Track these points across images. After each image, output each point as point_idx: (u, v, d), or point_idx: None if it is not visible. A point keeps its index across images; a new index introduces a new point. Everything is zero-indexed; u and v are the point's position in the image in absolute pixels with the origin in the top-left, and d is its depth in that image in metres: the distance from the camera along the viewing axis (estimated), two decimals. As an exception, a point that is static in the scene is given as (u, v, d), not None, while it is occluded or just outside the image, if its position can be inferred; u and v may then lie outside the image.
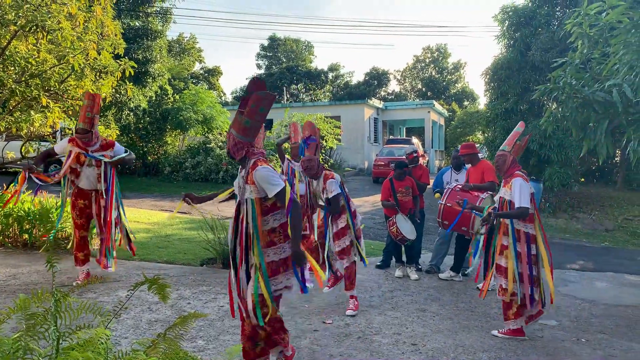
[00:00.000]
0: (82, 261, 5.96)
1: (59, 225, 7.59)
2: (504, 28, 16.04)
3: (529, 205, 4.61)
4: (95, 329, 1.75)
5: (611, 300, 6.32)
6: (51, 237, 6.89)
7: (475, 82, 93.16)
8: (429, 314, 5.40)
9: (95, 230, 6.37)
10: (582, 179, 19.07)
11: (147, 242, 8.54)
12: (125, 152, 6.07)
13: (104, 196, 5.85)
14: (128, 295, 2.18)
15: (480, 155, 7.01)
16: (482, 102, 47.39)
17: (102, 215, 5.89)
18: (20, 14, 7.00)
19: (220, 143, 18.98)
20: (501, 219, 4.80)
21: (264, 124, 3.60)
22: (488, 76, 16.73)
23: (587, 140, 6.38)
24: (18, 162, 10.12)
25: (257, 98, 3.32)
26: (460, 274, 6.94)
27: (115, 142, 6.08)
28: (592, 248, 10.67)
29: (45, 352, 1.78)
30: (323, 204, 5.42)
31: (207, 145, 18.97)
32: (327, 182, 5.21)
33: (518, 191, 4.61)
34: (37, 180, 5.81)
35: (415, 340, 4.61)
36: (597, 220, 13.89)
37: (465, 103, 46.99)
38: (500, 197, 4.88)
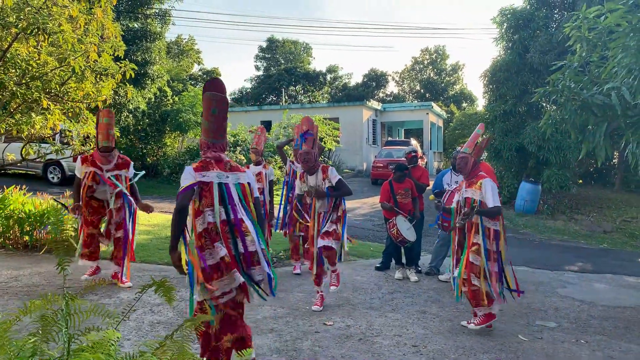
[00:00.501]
0: (88, 257, 6.00)
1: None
2: (503, 30, 16.10)
3: (499, 204, 4.88)
4: (105, 330, 1.77)
5: (610, 302, 6.36)
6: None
7: (473, 83, 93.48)
8: (429, 316, 5.43)
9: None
10: (580, 181, 19.15)
11: (148, 244, 8.57)
12: (134, 175, 6.35)
13: (117, 213, 5.98)
14: (136, 297, 2.21)
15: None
16: (481, 103, 47.51)
17: (115, 232, 6.01)
18: (21, 17, 7.02)
19: (220, 145, 18.98)
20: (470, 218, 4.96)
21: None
22: (487, 78, 16.80)
23: (585, 142, 6.42)
24: (18, 164, 10.15)
25: (207, 99, 3.40)
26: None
27: (130, 163, 6.20)
28: (591, 250, 10.72)
29: (56, 354, 1.81)
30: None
31: (206, 147, 18.97)
32: (327, 171, 5.39)
33: (490, 191, 4.83)
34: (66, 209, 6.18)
35: (416, 342, 4.64)
36: (595, 222, 13.94)
37: (464, 105, 47.10)
38: (466, 197, 5.03)
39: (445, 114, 38.09)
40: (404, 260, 7.23)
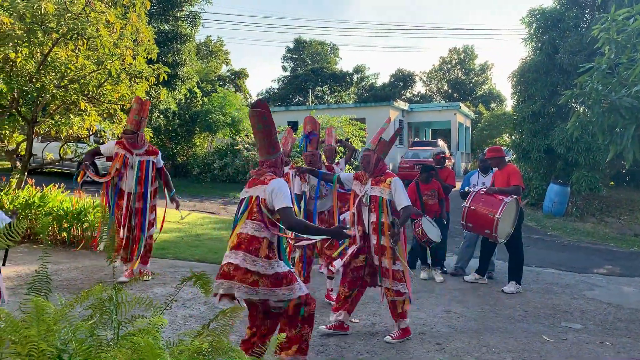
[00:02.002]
0: (125, 259, 6.19)
1: (94, 224, 7.95)
2: (532, 31, 15.95)
3: (409, 203, 4.62)
4: (152, 317, 1.94)
5: (638, 305, 6.32)
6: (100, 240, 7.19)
7: (502, 83, 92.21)
8: (453, 315, 5.51)
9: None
10: (612, 183, 18.81)
11: (179, 241, 8.82)
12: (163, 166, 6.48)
13: (140, 199, 6.13)
14: (177, 288, 2.38)
15: (507, 158, 7.06)
16: (509, 104, 46.91)
17: (134, 218, 6.15)
18: (62, 22, 7.35)
19: (247, 145, 19.27)
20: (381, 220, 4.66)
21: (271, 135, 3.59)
22: (515, 79, 16.65)
23: (613, 145, 6.40)
24: (56, 163, 10.53)
25: (250, 117, 3.55)
26: (485, 277, 7.02)
27: (159, 152, 6.41)
28: (620, 252, 10.59)
29: (106, 338, 1.98)
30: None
31: (234, 147, 19.29)
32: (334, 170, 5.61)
33: (401, 190, 4.59)
34: (92, 178, 6.26)
35: (439, 340, 4.74)
36: (626, 224, 13.73)
37: (492, 105, 46.59)
38: (371, 195, 4.66)
39: (474, 114, 37.77)
40: (429, 260, 7.30)
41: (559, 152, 14.54)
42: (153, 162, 6.23)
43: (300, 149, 7.29)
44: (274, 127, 3.55)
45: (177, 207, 6.52)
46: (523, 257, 6.74)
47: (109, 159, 6.33)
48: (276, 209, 3.35)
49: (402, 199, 4.55)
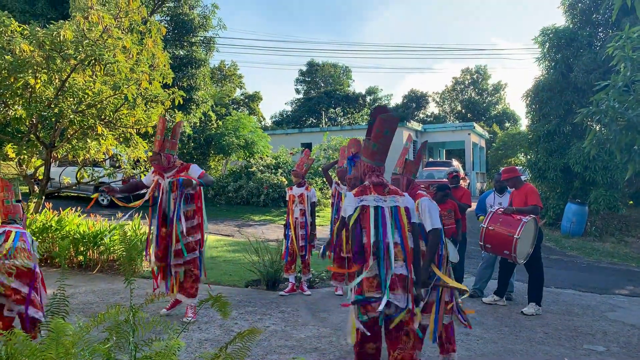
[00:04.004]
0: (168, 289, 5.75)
1: (110, 247, 7.99)
2: (545, 50, 15.93)
3: (440, 225, 4.16)
4: (169, 340, 1.93)
5: (662, 327, 6.15)
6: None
7: (516, 103, 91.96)
8: (472, 338, 5.41)
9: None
10: (631, 202, 18.52)
11: (194, 264, 8.80)
12: (202, 172, 5.89)
13: (172, 222, 5.68)
14: (196, 311, 2.35)
15: (522, 177, 6.99)
16: (524, 123, 46.70)
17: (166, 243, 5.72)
18: (80, 49, 7.50)
19: (262, 167, 19.35)
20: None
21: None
22: (529, 98, 16.59)
23: (631, 163, 6.32)
24: (73, 187, 10.66)
25: (380, 121, 3.48)
26: (504, 298, 6.90)
27: (192, 165, 5.92)
28: (642, 273, 10.35)
29: (124, 361, 1.97)
30: None
31: (248, 169, 19.39)
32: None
33: (428, 212, 4.12)
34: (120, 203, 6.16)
35: (459, 363, 4.63)
36: (646, 244, 13.46)
37: (507, 125, 46.42)
38: None
39: (488, 134, 37.65)
40: (446, 281, 7.18)
41: (576, 171, 14.38)
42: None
43: (337, 167, 7.18)
44: (393, 137, 3.60)
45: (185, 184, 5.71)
46: (543, 277, 6.62)
47: (124, 181, 6.26)
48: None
49: (428, 221, 4.12)
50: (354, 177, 5.00)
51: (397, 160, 4.54)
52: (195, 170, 5.83)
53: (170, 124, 8.69)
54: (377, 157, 3.57)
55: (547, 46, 15.85)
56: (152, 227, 5.82)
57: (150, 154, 8.19)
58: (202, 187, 5.86)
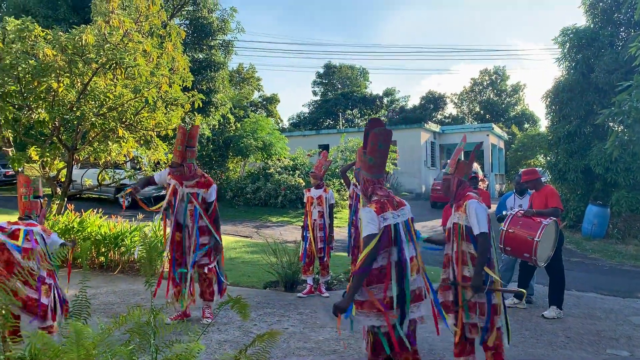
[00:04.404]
0: (175, 296, 5.68)
1: (130, 248, 8.08)
2: (565, 50, 15.72)
3: (487, 229, 4.08)
4: (189, 343, 1.95)
5: (688, 332, 6.02)
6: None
7: (535, 104, 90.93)
8: (492, 341, 5.35)
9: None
10: (654, 204, 18.16)
11: (213, 265, 8.86)
12: (215, 200, 5.83)
13: (190, 234, 5.64)
14: (215, 312, 2.37)
15: (542, 179, 6.91)
16: (544, 124, 46.14)
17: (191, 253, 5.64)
18: (101, 53, 7.62)
19: (279, 169, 19.41)
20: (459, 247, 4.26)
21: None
22: (549, 99, 16.38)
23: (656, 164, 6.19)
24: (95, 189, 10.81)
25: (374, 135, 3.51)
26: (524, 301, 6.82)
27: (213, 184, 5.81)
28: (666, 276, 10.16)
29: (145, 363, 2.00)
30: None
31: (266, 170, 19.47)
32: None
33: (475, 214, 4.06)
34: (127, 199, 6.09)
35: (479, 366, 4.59)
36: (671, 247, 13.19)
37: (526, 126, 45.88)
38: (454, 223, 4.30)
39: (507, 135, 37.24)
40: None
41: (597, 173, 14.15)
42: (203, 196, 5.68)
43: (355, 169, 7.15)
44: (389, 149, 3.64)
45: (217, 252, 5.85)
46: (564, 280, 6.53)
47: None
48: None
49: (476, 224, 4.03)
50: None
51: (450, 161, 4.46)
52: (213, 192, 5.78)
53: (189, 126, 8.73)
54: (375, 170, 3.58)
55: (567, 46, 15.64)
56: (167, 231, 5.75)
57: (170, 158, 8.19)
58: (216, 200, 5.86)
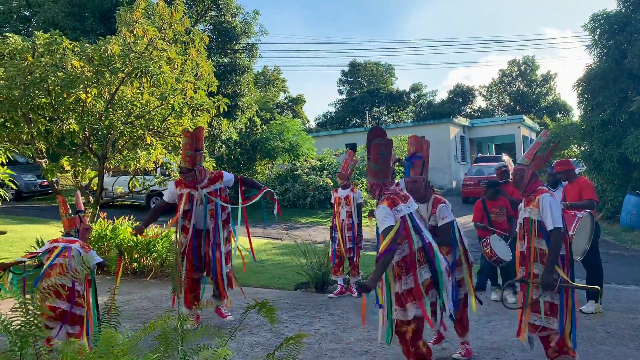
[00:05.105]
0: (191, 303, 5.56)
1: (162, 254, 8.18)
2: (596, 37, 15.29)
3: (562, 225, 3.98)
4: (216, 349, 1.93)
5: None
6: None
7: (567, 93, 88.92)
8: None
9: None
10: (695, 191, 17.53)
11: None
12: (235, 177, 5.93)
13: (214, 234, 5.65)
14: (242, 317, 2.36)
15: (576, 170, 6.70)
16: (576, 113, 45.04)
17: (212, 254, 5.65)
18: (126, 62, 7.74)
19: (307, 169, 19.42)
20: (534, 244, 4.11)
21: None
22: (581, 87, 15.96)
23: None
24: (126, 196, 11.00)
25: (375, 145, 3.81)
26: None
27: (224, 172, 5.85)
28: None
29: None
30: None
31: (294, 172, 19.51)
32: (437, 207, 4.54)
33: (549, 209, 3.98)
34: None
35: (516, 365, 4.48)
36: None
37: (558, 116, 44.88)
38: (524, 218, 4.20)
39: (539, 126, 36.49)
40: (500, 281, 7.00)
41: (635, 161, 13.70)
42: (220, 188, 5.71)
43: (395, 171, 6.86)
44: (391, 156, 3.93)
45: (272, 196, 5.92)
46: (602, 274, 6.33)
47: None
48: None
49: (549, 219, 3.97)
50: (411, 180, 4.55)
51: (526, 152, 4.43)
52: (228, 177, 5.83)
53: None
54: (380, 176, 3.88)
55: (598, 32, 15.20)
56: (179, 238, 5.66)
57: (172, 160, 8.22)
58: (228, 196, 5.90)
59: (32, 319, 2.09)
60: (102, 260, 4.56)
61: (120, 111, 8.40)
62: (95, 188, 8.99)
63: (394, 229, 3.55)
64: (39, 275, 4.24)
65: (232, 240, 5.90)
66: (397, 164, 6.36)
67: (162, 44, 8.19)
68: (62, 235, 4.70)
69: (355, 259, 7.12)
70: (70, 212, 4.70)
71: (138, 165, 8.99)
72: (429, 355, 3.76)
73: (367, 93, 46.43)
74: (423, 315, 3.62)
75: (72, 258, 4.35)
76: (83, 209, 4.89)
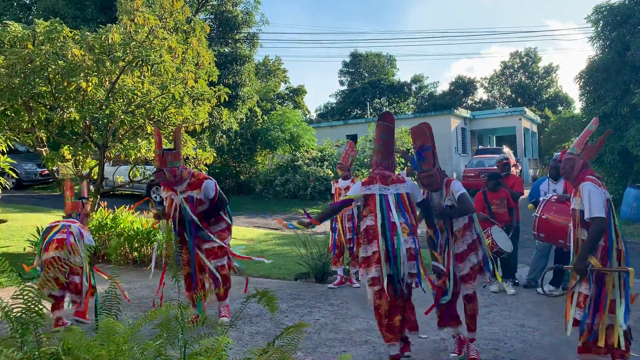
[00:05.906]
0: (193, 302, 5.25)
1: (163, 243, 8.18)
2: (598, 29, 15.20)
3: (603, 214, 3.80)
4: (217, 337, 1.94)
5: None
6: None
7: (569, 86, 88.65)
8: (528, 330, 5.25)
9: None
10: (696, 185, 17.51)
11: (244, 258, 8.93)
12: (215, 193, 5.33)
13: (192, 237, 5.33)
14: (242, 306, 2.37)
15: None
16: (578, 106, 44.93)
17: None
18: (127, 51, 7.70)
19: (307, 160, 19.40)
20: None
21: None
22: (583, 79, 15.90)
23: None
24: (126, 185, 11.00)
25: (377, 127, 4.25)
26: (560, 288, 6.66)
27: (205, 181, 5.29)
28: None
29: (174, 357, 2.00)
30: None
31: (295, 162, 19.49)
32: (450, 185, 4.41)
33: (587, 198, 3.82)
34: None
35: (514, 355, 4.51)
36: None
37: (560, 108, 44.77)
38: (572, 209, 4.08)
39: (540, 118, 36.41)
40: (500, 272, 7.00)
41: (635, 154, 13.69)
42: (198, 197, 5.22)
43: (406, 166, 6.58)
44: (393, 138, 4.28)
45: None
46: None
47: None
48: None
49: (587, 208, 3.82)
50: (426, 175, 4.34)
51: (577, 141, 4.26)
52: (209, 189, 5.27)
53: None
54: (380, 156, 4.28)
55: (601, 24, 15.11)
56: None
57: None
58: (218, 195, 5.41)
59: (32, 306, 2.09)
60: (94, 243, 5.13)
61: (121, 100, 8.37)
62: (95, 177, 8.98)
63: (348, 196, 4.35)
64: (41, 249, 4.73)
65: (228, 235, 5.61)
66: (398, 155, 6.31)
67: (163, 33, 8.15)
68: (62, 217, 5.05)
69: (355, 250, 7.11)
70: (75, 196, 5.04)
71: (139, 154, 8.98)
72: (400, 330, 4.09)
73: (368, 84, 46.23)
74: (373, 281, 4.05)
75: (70, 234, 4.75)
76: (87, 197, 5.07)
